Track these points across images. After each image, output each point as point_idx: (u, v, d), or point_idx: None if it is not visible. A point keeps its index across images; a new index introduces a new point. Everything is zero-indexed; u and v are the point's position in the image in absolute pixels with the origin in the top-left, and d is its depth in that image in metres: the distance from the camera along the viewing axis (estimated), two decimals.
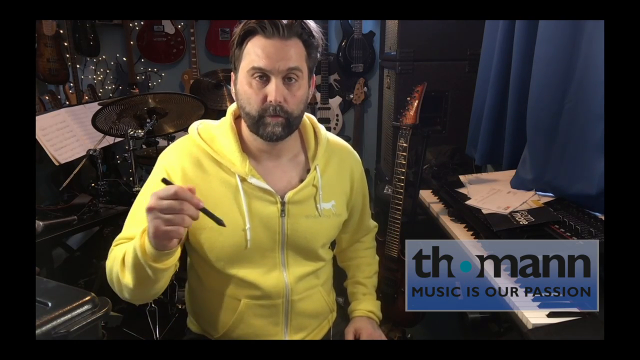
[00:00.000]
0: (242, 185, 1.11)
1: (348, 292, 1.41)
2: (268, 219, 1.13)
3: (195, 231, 1.12)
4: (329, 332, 1.31)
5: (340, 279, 1.44)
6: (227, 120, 1.15)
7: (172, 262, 0.98)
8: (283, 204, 1.14)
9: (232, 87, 1.13)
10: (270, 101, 1.03)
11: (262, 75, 1.03)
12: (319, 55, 1.11)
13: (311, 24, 1.07)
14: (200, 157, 1.12)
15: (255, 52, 1.03)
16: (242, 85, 1.06)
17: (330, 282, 1.34)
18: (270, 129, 1.05)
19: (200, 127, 1.17)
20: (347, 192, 1.26)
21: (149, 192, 1.12)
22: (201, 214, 0.95)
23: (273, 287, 1.16)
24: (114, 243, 1.15)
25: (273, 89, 1.03)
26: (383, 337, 1.31)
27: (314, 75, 1.14)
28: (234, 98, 1.12)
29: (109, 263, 1.07)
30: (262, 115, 1.05)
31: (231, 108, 1.17)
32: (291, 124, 1.08)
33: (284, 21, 1.02)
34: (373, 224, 1.45)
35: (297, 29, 1.03)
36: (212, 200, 1.10)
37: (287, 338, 1.22)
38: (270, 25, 1.01)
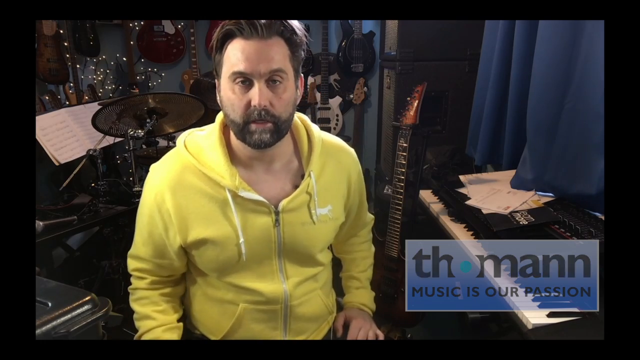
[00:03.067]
0: (232, 199, 1.07)
1: (342, 284, 1.42)
2: (262, 230, 1.10)
3: (189, 245, 1.10)
4: (328, 333, 1.31)
5: (339, 279, 1.43)
6: (215, 129, 1.10)
7: None
8: (277, 213, 1.10)
9: (217, 95, 1.07)
10: (255, 106, 0.97)
11: (245, 80, 0.98)
12: (303, 53, 1.05)
13: (294, 22, 1.01)
14: (188, 173, 1.08)
15: (235, 55, 0.97)
16: (225, 91, 1.01)
17: (330, 284, 1.33)
18: (257, 137, 1.00)
19: (188, 139, 1.12)
20: (345, 195, 1.23)
21: (145, 212, 1.12)
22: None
23: (271, 293, 1.15)
24: (131, 264, 1.19)
25: (256, 93, 0.97)
26: (374, 327, 1.31)
27: (302, 75, 1.09)
28: (220, 106, 1.06)
29: (132, 298, 1.17)
30: (247, 122, 0.99)
31: (220, 116, 1.11)
32: (280, 129, 1.02)
33: (263, 20, 0.96)
34: (370, 217, 1.43)
35: (277, 28, 0.97)
36: (202, 216, 1.07)
37: None
38: (247, 26, 0.95)
